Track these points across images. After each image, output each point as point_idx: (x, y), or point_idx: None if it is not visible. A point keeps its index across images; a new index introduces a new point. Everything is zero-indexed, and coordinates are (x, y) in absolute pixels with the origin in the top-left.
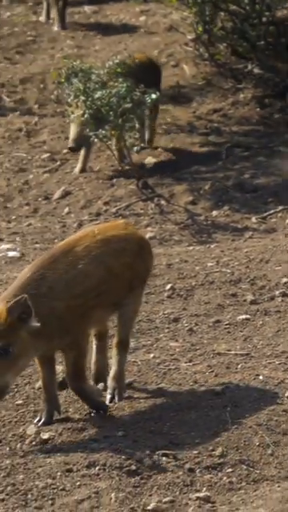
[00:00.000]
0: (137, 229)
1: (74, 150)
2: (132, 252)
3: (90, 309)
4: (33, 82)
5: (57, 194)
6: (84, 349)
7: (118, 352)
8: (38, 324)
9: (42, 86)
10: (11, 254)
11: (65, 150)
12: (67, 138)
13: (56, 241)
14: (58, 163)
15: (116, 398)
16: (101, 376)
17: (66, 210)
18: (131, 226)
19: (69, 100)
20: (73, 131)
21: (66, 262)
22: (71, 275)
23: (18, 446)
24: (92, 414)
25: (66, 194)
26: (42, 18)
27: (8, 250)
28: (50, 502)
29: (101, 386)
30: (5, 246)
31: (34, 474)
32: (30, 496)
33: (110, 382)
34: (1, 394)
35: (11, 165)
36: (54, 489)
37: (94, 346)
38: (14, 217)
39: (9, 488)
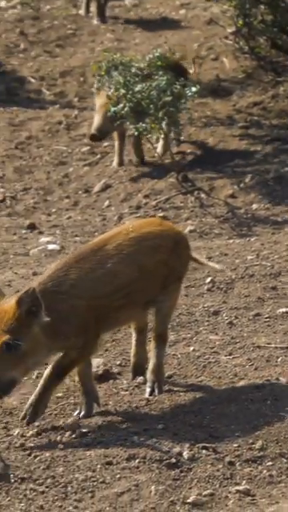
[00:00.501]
0: (173, 224)
1: (97, 138)
2: (167, 248)
3: (116, 310)
4: (73, 76)
5: (97, 187)
6: (87, 354)
7: (157, 345)
8: (48, 319)
9: (81, 79)
10: (51, 246)
11: (105, 143)
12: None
13: (96, 234)
14: (98, 156)
15: (156, 391)
16: (139, 369)
17: (106, 203)
18: (167, 222)
19: (109, 93)
20: (96, 120)
21: (94, 260)
22: (98, 274)
23: (58, 438)
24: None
25: (106, 187)
26: (82, 12)
27: (48, 242)
28: (89, 494)
29: (140, 379)
30: (45, 239)
31: (73, 466)
32: (69, 488)
33: (149, 375)
34: (6, 390)
35: (51, 158)
36: (93, 481)
37: (134, 340)
38: (54, 210)
39: (49, 480)
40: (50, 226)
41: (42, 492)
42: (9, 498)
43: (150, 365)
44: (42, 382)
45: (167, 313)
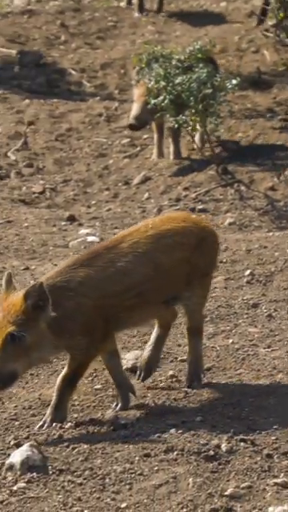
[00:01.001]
0: (201, 219)
1: (135, 127)
2: (189, 246)
3: (128, 309)
4: (113, 68)
5: (137, 179)
6: (94, 355)
7: (191, 338)
8: (54, 314)
9: (122, 71)
10: (90, 238)
11: (145, 136)
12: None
13: None
14: (138, 148)
15: (195, 384)
16: (148, 366)
17: (146, 195)
18: (193, 217)
19: (149, 85)
20: (135, 109)
21: (106, 258)
22: (108, 273)
23: (96, 430)
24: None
25: (146, 179)
26: (123, 4)
27: (87, 234)
28: (127, 486)
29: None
30: (84, 231)
31: (112, 458)
32: (107, 480)
33: (188, 367)
34: (7, 381)
35: (91, 150)
36: (131, 473)
37: (154, 334)
38: (93, 202)
39: (87, 472)
40: (90, 217)
41: (80, 484)
42: (47, 490)
43: (188, 358)
44: (55, 391)
45: (195, 309)
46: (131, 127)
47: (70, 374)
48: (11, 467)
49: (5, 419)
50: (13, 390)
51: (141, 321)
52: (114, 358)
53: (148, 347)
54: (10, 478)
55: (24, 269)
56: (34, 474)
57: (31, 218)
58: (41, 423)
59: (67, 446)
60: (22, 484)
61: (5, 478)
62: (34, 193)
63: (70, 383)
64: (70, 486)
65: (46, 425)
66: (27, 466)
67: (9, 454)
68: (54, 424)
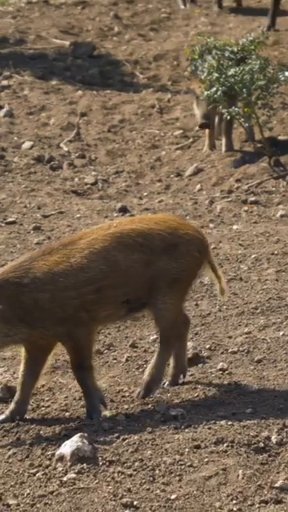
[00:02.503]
0: (182, 226)
1: (206, 125)
2: (152, 249)
3: (91, 303)
4: (166, 59)
5: (189, 171)
6: (82, 341)
7: (159, 346)
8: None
9: (175, 62)
10: None
11: (196, 128)
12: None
13: (188, 217)
14: (191, 140)
15: (141, 394)
16: (179, 364)
17: (198, 186)
18: (172, 222)
19: (202, 77)
20: (202, 108)
21: (61, 253)
22: (61, 268)
23: (147, 421)
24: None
25: (198, 170)
26: None
27: None
28: (177, 478)
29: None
30: None
31: (161, 449)
32: (157, 472)
33: (144, 375)
34: None
35: (143, 141)
36: (181, 465)
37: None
38: (145, 193)
39: (136, 464)
40: (142, 209)
41: (130, 475)
42: (97, 481)
43: (148, 366)
44: (79, 383)
45: (162, 315)
46: (203, 126)
47: (73, 361)
48: (61, 458)
49: (55, 410)
50: (63, 381)
51: (106, 318)
52: (32, 375)
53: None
54: (60, 469)
55: None
56: (85, 464)
57: (83, 209)
58: (87, 415)
59: (117, 437)
60: (72, 475)
61: (55, 468)
62: (87, 184)
63: (81, 368)
64: (120, 477)
65: (93, 415)
66: (77, 456)
67: (59, 445)
68: (100, 411)
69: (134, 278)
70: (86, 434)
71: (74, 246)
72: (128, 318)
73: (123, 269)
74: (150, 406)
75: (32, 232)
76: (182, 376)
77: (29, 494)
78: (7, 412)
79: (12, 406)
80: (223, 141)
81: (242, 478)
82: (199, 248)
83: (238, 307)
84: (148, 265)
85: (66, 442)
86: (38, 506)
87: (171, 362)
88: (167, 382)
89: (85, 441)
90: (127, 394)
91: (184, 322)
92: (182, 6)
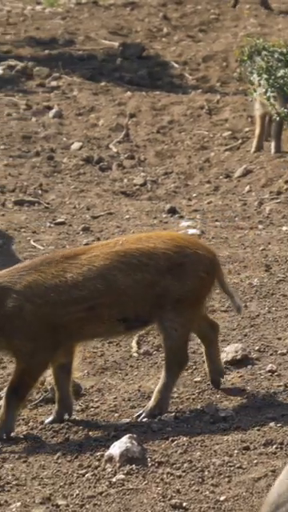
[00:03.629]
0: (190, 243)
1: None
2: (157, 268)
3: (78, 322)
4: (215, 60)
5: (238, 172)
6: (38, 367)
7: (164, 370)
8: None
9: (224, 64)
10: (191, 231)
11: (246, 128)
12: (250, 117)
13: (236, 219)
14: (240, 141)
15: (143, 415)
16: (214, 368)
17: (247, 188)
18: (179, 240)
19: (251, 78)
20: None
21: (59, 267)
22: (56, 282)
23: (196, 423)
24: None
25: (247, 172)
26: None
27: (188, 227)
28: (226, 479)
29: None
30: (185, 224)
31: (211, 451)
32: (206, 473)
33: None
34: None
35: (192, 142)
36: (230, 466)
37: (204, 351)
38: (194, 194)
39: (185, 465)
40: (191, 210)
41: (179, 476)
42: (146, 482)
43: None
44: (3, 402)
45: (169, 336)
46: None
47: (14, 382)
48: (111, 459)
49: (104, 411)
50: (112, 382)
51: (94, 335)
52: (64, 371)
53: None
54: (109, 470)
55: None
56: (133, 465)
57: (132, 210)
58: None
59: (166, 438)
60: (121, 476)
61: (104, 469)
62: (136, 185)
63: (15, 392)
64: (169, 478)
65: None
66: (126, 457)
67: (108, 446)
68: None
69: (133, 298)
70: (135, 435)
71: (74, 261)
72: (128, 334)
73: (122, 288)
74: (199, 407)
75: (81, 233)
76: (221, 379)
77: (78, 494)
78: (54, 413)
79: (56, 406)
80: (272, 142)
81: None
82: (208, 268)
83: (287, 308)
84: (152, 285)
85: (115, 443)
86: (87, 506)
87: (206, 367)
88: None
89: (134, 442)
90: (175, 395)
91: (212, 326)
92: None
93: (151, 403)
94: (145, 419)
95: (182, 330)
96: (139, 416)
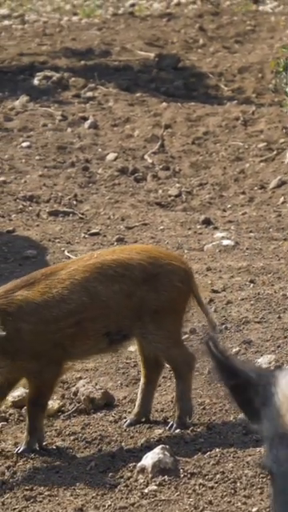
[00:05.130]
0: (166, 255)
1: None
2: (133, 279)
3: (69, 338)
4: (251, 72)
5: (273, 184)
6: (50, 380)
7: (175, 379)
8: (3, 333)
9: (260, 75)
10: (226, 242)
11: (282, 140)
12: (285, 128)
13: (271, 230)
14: (275, 152)
15: (173, 427)
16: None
17: (282, 199)
18: (155, 252)
19: (286, 89)
20: None
21: (43, 284)
22: (45, 298)
23: (229, 434)
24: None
25: (282, 183)
26: (262, 8)
27: (223, 238)
28: (258, 491)
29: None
30: (219, 235)
31: (243, 462)
32: (238, 484)
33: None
34: None
35: (227, 153)
36: (262, 478)
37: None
38: (229, 205)
39: (218, 476)
40: (225, 221)
41: (211, 487)
42: (178, 493)
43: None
44: (27, 417)
45: (158, 348)
46: None
47: (32, 396)
48: (143, 470)
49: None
50: None
51: (84, 352)
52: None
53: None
54: (141, 481)
55: None
56: (166, 476)
57: (167, 221)
58: (18, 448)
59: (199, 450)
60: (153, 487)
61: (136, 480)
62: (170, 196)
63: (36, 404)
64: (202, 489)
65: (22, 448)
66: (159, 468)
67: (141, 457)
68: (31, 448)
69: (114, 310)
70: (167, 446)
71: (55, 277)
72: (108, 350)
73: (104, 300)
74: (231, 418)
75: (115, 243)
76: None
77: (110, 505)
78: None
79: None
80: None
81: None
82: (182, 278)
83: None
84: (129, 296)
85: (148, 454)
86: None
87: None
88: (128, 421)
89: (166, 453)
90: (209, 406)
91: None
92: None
93: (177, 413)
94: (177, 430)
95: (168, 341)
96: (171, 427)
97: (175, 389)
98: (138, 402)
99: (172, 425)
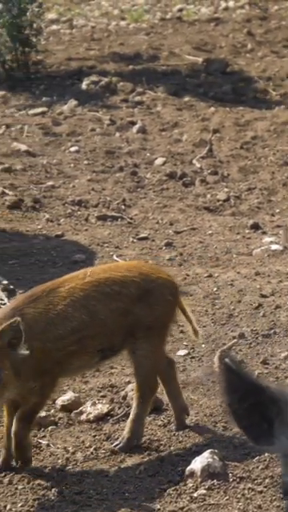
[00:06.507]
0: (155, 270)
1: None
2: (128, 297)
3: (70, 355)
4: None
5: None
6: (47, 397)
7: (135, 397)
8: (27, 352)
9: None
10: (274, 247)
11: None
12: None
13: None
14: None
15: (120, 444)
16: (178, 404)
17: None
18: (143, 268)
19: None
20: None
21: (46, 301)
22: (50, 316)
23: None
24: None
25: None
26: None
27: (271, 243)
28: None
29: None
30: (268, 239)
31: None
32: None
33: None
34: None
35: (276, 158)
36: None
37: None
38: (277, 210)
39: (267, 480)
40: (274, 226)
41: (260, 492)
42: (227, 497)
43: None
44: (13, 436)
45: (140, 364)
46: None
47: (27, 415)
48: (192, 474)
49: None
50: (194, 397)
51: (79, 368)
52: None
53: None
54: (190, 485)
55: (207, 276)
56: (215, 481)
57: (215, 226)
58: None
59: (248, 454)
60: (202, 491)
61: (185, 484)
62: (219, 200)
63: (29, 421)
64: (251, 493)
65: (20, 463)
66: (208, 472)
67: (190, 461)
68: (21, 466)
69: (110, 327)
70: (216, 451)
71: (56, 294)
72: (98, 365)
73: (102, 318)
74: None
75: (164, 248)
76: (186, 415)
77: (159, 509)
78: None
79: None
80: None
81: None
82: (172, 291)
83: None
84: (125, 313)
85: (197, 458)
86: None
87: (171, 405)
88: (175, 427)
89: (215, 457)
90: None
91: (169, 363)
92: None
93: (126, 434)
94: (122, 450)
95: (153, 357)
96: (116, 446)
97: (132, 410)
98: (172, 406)
99: (117, 445)
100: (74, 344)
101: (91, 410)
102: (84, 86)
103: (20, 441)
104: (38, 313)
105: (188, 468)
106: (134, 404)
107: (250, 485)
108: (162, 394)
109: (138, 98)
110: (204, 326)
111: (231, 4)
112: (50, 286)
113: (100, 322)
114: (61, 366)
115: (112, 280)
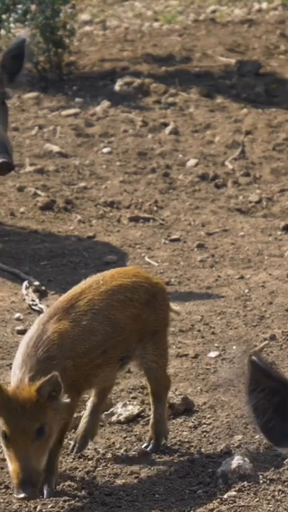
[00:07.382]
0: (148, 275)
1: None
2: (139, 302)
3: (96, 368)
4: None
5: None
6: (72, 416)
7: (153, 403)
8: (68, 400)
9: None
10: None
11: None
12: None
13: None
14: None
15: (149, 447)
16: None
17: None
18: (142, 272)
19: None
20: None
21: (69, 317)
22: (76, 333)
23: None
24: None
25: None
26: None
27: None
28: None
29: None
30: None
31: None
32: None
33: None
34: (36, 480)
35: None
36: None
37: (90, 404)
38: None
39: None
40: None
41: None
42: (257, 499)
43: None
44: (49, 460)
45: (151, 368)
46: None
47: (62, 435)
48: (222, 475)
49: (217, 427)
50: (225, 399)
51: (103, 380)
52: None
53: (84, 418)
54: (221, 487)
55: (239, 278)
56: (245, 482)
57: (247, 227)
58: (45, 494)
59: (278, 455)
60: (232, 492)
61: (216, 486)
62: (251, 202)
63: (62, 442)
64: (281, 495)
65: (46, 493)
66: (238, 474)
67: (220, 463)
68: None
69: (128, 334)
70: (247, 452)
71: (77, 309)
72: (119, 372)
73: (122, 326)
74: None
75: (196, 249)
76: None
77: (189, 511)
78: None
79: None
80: None
81: None
82: (166, 295)
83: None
84: (137, 319)
85: (227, 460)
86: None
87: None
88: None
89: (246, 459)
90: None
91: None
92: None
93: (153, 436)
94: (153, 451)
95: (161, 361)
96: (146, 447)
97: (152, 412)
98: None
99: (147, 446)
100: (100, 357)
101: (122, 411)
102: (117, 87)
103: (53, 465)
104: (62, 330)
105: (219, 469)
106: (152, 407)
107: (280, 486)
108: (194, 395)
109: (170, 100)
110: (235, 328)
111: (264, 5)
112: (67, 300)
113: (120, 330)
114: (87, 380)
115: (124, 287)
